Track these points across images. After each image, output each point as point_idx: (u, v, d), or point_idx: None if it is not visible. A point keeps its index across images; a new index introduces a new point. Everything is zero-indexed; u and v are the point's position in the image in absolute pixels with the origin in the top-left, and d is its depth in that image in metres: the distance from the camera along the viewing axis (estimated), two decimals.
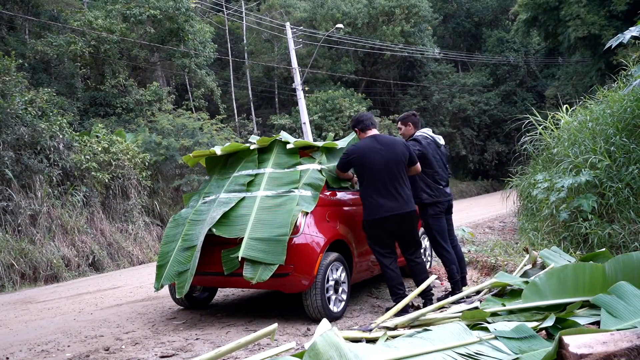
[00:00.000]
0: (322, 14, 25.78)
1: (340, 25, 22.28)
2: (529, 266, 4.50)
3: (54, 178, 9.64)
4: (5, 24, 17.49)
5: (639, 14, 9.28)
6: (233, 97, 24.23)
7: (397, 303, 4.15)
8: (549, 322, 2.97)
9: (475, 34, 34.16)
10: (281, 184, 4.70)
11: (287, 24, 21.61)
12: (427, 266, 6.37)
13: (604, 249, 4.48)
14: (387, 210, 4.30)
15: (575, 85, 24.08)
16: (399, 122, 5.18)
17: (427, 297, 4.47)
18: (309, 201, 4.49)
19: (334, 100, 22.91)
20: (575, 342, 2.41)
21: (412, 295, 3.98)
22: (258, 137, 5.35)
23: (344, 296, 4.62)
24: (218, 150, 5.27)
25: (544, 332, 2.96)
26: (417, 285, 4.38)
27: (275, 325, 2.68)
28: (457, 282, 4.82)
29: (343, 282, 4.61)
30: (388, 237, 4.46)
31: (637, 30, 5.48)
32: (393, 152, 4.41)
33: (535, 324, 3.05)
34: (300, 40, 23.58)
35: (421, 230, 5.50)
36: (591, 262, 3.70)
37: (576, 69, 25.85)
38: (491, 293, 4.11)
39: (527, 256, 4.60)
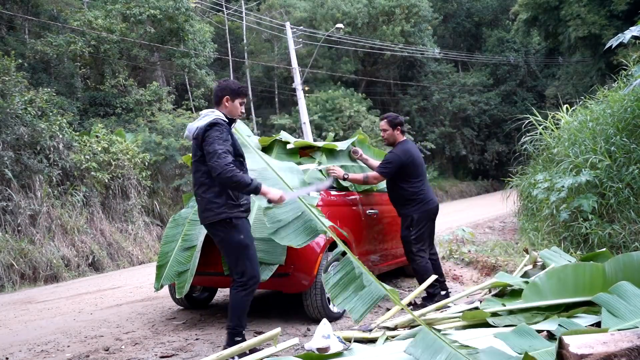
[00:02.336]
0: (322, 14, 25.78)
1: (340, 25, 22.27)
2: (530, 266, 4.50)
3: (53, 178, 9.64)
4: (5, 24, 17.47)
5: (639, 14, 9.28)
6: None
7: (431, 298, 4.45)
8: (552, 325, 2.96)
9: (475, 34, 34.16)
10: None
11: (287, 24, 21.61)
12: None
13: (604, 249, 4.48)
14: (434, 201, 4.80)
15: (576, 85, 24.08)
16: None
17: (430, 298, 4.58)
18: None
19: (334, 100, 22.91)
20: (575, 342, 2.40)
21: (412, 294, 3.98)
22: (258, 137, 5.34)
23: None
24: None
25: (544, 332, 2.95)
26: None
27: (278, 329, 2.67)
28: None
29: None
30: (430, 229, 4.82)
31: (638, 30, 5.47)
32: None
33: (536, 324, 3.05)
34: (300, 40, 23.58)
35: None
36: (591, 262, 3.69)
37: (576, 68, 25.85)
38: (491, 293, 4.11)
39: (527, 256, 4.60)
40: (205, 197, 3.36)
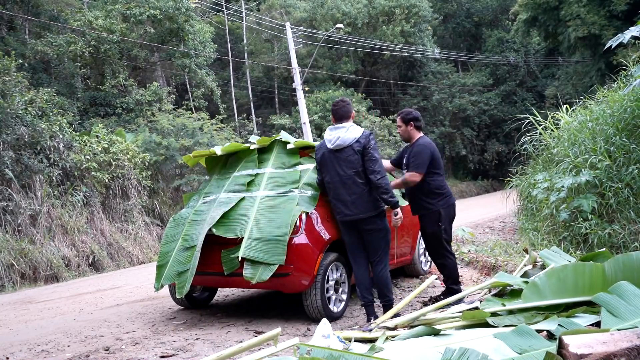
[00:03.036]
0: (322, 14, 25.77)
1: (340, 25, 22.28)
2: (530, 266, 4.49)
3: (54, 178, 9.64)
4: (5, 24, 17.49)
5: (639, 14, 9.29)
6: (233, 97, 24.23)
7: (452, 293, 4.44)
8: (552, 325, 2.96)
9: (475, 34, 34.16)
10: (281, 184, 4.69)
11: (287, 24, 21.60)
12: (428, 267, 6.39)
13: (604, 249, 4.47)
14: (452, 195, 4.84)
15: (575, 85, 24.08)
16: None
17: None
18: (309, 201, 4.49)
19: (334, 100, 22.86)
20: (575, 342, 2.40)
21: (411, 295, 3.98)
22: (258, 137, 5.35)
23: (344, 296, 4.62)
24: (218, 150, 5.27)
25: (544, 332, 2.95)
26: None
27: (278, 329, 2.68)
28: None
29: (343, 282, 4.62)
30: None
31: (637, 30, 5.47)
32: None
33: (535, 324, 3.05)
34: (300, 40, 23.58)
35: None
36: (591, 262, 3.69)
37: (576, 69, 25.84)
38: (491, 293, 4.10)
39: (527, 256, 4.60)
40: (365, 197, 4.15)
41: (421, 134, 4.82)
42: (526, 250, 4.95)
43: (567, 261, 4.24)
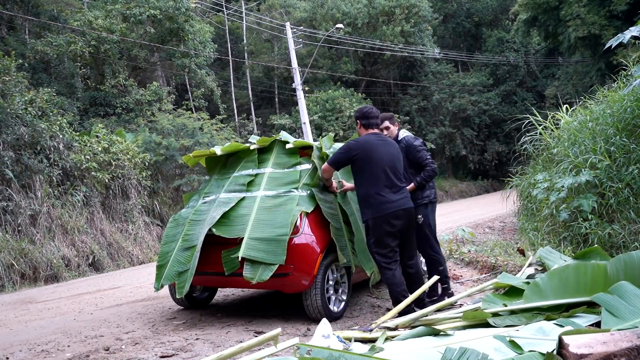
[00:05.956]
0: (322, 14, 25.77)
1: (340, 25, 22.28)
2: (531, 268, 4.50)
3: (54, 178, 9.64)
4: (5, 24, 17.49)
5: (639, 14, 9.28)
6: (233, 97, 24.23)
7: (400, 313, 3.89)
8: (552, 325, 2.96)
9: (475, 34, 34.15)
10: (281, 184, 4.69)
11: (287, 24, 21.61)
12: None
13: (595, 246, 4.50)
14: (396, 205, 4.13)
15: (575, 85, 24.07)
16: (388, 121, 4.86)
17: (422, 304, 4.24)
18: (309, 201, 4.49)
19: (334, 100, 22.91)
20: (575, 342, 2.40)
21: (413, 295, 3.97)
22: (258, 137, 5.34)
23: (344, 296, 4.62)
24: (218, 150, 5.27)
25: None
26: (411, 294, 4.13)
27: (278, 330, 2.68)
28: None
29: (343, 282, 4.61)
30: (393, 236, 4.17)
31: (637, 30, 5.46)
32: (394, 148, 4.38)
33: (536, 324, 3.05)
34: (300, 40, 23.58)
35: None
36: (593, 261, 3.69)
37: (576, 69, 25.84)
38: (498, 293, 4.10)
39: (531, 257, 4.61)
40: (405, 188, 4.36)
41: (371, 131, 4.37)
42: (521, 252, 4.95)
43: (563, 260, 4.24)
